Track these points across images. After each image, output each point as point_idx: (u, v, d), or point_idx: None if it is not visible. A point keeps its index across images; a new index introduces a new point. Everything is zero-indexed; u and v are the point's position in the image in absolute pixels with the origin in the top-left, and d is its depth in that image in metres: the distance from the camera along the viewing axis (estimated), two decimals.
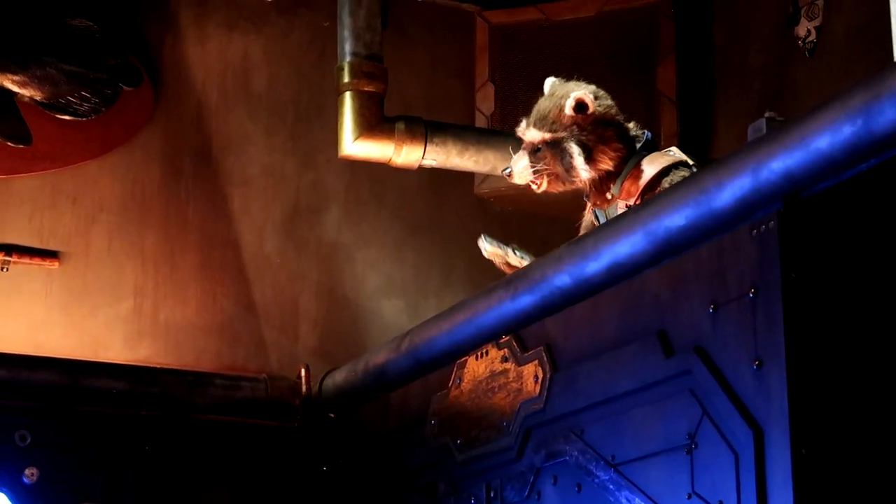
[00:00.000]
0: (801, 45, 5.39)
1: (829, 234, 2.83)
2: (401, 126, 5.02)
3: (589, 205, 3.87)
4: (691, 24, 6.01)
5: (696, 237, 3.05)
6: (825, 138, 2.69)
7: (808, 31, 5.36)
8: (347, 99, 4.99)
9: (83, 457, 4.61)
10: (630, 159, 3.75)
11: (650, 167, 3.73)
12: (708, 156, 5.78)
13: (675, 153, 3.82)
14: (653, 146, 3.82)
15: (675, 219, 3.08)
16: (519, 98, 5.93)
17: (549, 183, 3.80)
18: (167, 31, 5.74)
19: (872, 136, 2.61)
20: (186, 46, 5.76)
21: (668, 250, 3.14)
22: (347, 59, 5.00)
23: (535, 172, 3.78)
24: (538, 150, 3.78)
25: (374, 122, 4.99)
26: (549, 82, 3.90)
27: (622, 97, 5.85)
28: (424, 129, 5.05)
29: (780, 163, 2.79)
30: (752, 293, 2.85)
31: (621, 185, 3.72)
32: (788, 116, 2.91)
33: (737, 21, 5.86)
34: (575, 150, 3.73)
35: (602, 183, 3.76)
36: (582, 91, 3.76)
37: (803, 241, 2.81)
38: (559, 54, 6.00)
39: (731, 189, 2.91)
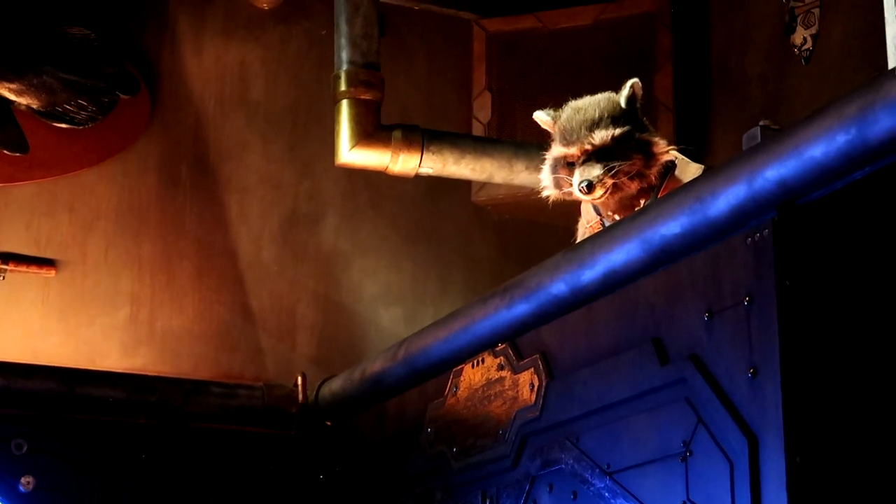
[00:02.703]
0: (798, 52, 5.40)
1: (824, 242, 2.83)
2: (397, 134, 5.02)
3: (593, 221, 3.81)
4: (688, 33, 6.02)
5: (691, 245, 3.06)
6: (819, 147, 2.69)
7: (805, 39, 5.37)
8: (344, 107, 4.99)
9: (79, 465, 4.60)
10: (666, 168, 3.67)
11: (686, 174, 3.67)
12: (704, 164, 5.79)
13: (679, 155, 3.79)
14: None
15: (671, 227, 3.08)
16: (516, 106, 5.93)
17: (622, 185, 3.58)
18: (164, 39, 5.74)
19: (866, 144, 2.61)
20: (184, 55, 5.76)
21: (664, 258, 3.15)
22: (344, 67, 5.00)
23: (615, 174, 3.56)
24: (603, 151, 3.59)
25: (370, 130, 4.99)
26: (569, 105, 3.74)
27: None
28: (421, 137, 5.05)
29: (774, 171, 2.79)
30: (747, 301, 2.85)
31: (658, 196, 3.60)
32: (785, 124, 2.91)
33: (733, 29, 5.86)
34: (653, 136, 3.62)
35: (632, 198, 3.66)
36: (633, 79, 3.66)
37: (798, 250, 2.81)
38: (556, 62, 6.00)
39: (726, 197, 2.92)
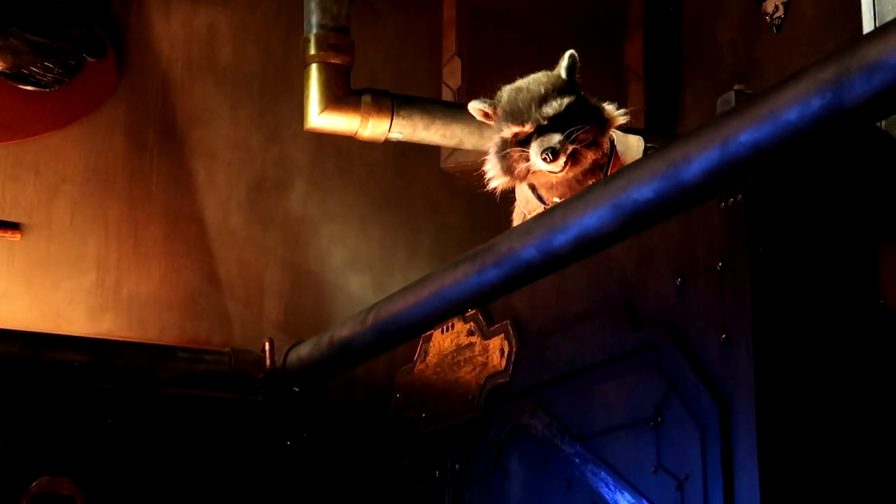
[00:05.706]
0: (769, 20, 5.39)
1: (797, 207, 2.82)
2: (367, 99, 4.98)
3: (537, 208, 3.79)
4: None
5: (664, 210, 3.04)
6: (794, 111, 2.67)
7: (776, 6, 5.36)
8: (313, 71, 4.95)
9: (45, 430, 4.59)
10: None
11: (630, 149, 3.69)
12: (675, 131, 5.79)
13: (616, 132, 3.79)
14: None
15: (643, 192, 3.06)
16: (486, 72, 5.90)
17: (580, 154, 3.59)
18: (132, 1, 5.69)
19: (842, 109, 2.59)
20: (151, 18, 5.71)
21: (636, 223, 3.13)
22: (314, 30, 4.95)
23: (573, 140, 3.55)
24: (556, 122, 3.58)
25: (340, 95, 4.95)
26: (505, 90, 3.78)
27: (590, 72, 5.88)
28: (391, 101, 5.01)
29: (748, 136, 2.77)
30: (720, 267, 2.84)
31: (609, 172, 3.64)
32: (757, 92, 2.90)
33: None
34: (601, 103, 3.64)
35: (580, 181, 3.66)
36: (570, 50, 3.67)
37: (771, 215, 2.80)
38: (527, 28, 5.98)
39: (700, 162, 2.90)
